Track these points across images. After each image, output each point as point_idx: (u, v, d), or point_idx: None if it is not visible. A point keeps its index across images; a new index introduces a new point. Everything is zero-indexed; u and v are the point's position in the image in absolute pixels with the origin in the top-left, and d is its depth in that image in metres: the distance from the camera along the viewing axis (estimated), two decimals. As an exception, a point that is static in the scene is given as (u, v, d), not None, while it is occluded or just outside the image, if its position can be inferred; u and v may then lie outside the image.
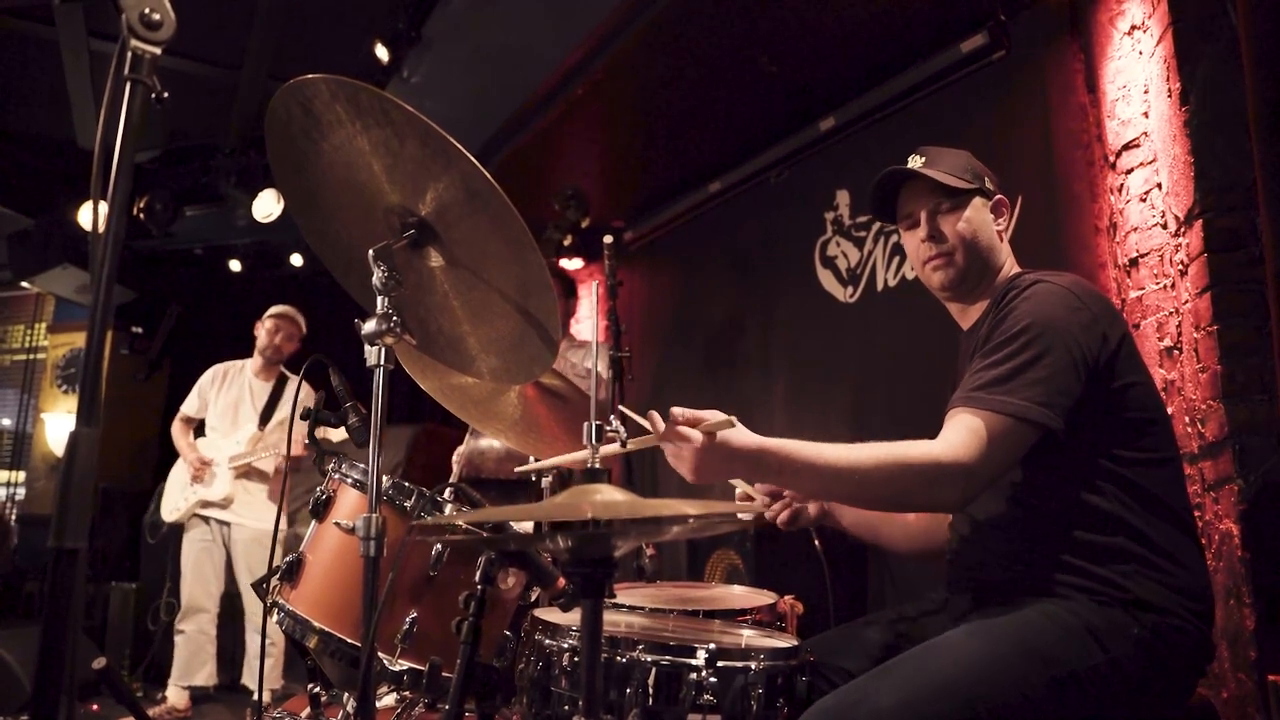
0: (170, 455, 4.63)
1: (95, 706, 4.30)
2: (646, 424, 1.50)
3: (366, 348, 1.46)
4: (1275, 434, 2.21)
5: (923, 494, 1.51)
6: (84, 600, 5.23)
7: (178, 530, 4.50)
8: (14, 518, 7.59)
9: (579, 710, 1.06)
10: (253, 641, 4.31)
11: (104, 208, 1.07)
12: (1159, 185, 2.63)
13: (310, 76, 1.40)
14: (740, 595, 2.13)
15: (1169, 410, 1.85)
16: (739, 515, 1.79)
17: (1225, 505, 2.27)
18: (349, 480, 1.84)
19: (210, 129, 5.71)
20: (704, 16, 3.60)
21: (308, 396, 3.92)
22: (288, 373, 4.63)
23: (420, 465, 5.31)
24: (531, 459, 2.22)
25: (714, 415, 1.44)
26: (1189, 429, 2.47)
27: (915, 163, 1.78)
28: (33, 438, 7.76)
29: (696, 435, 1.43)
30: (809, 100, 4.16)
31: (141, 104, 1.11)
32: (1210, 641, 1.55)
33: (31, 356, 8.09)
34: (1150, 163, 2.68)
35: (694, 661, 1.42)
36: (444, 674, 1.65)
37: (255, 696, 2.72)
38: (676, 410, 1.45)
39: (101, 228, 1.05)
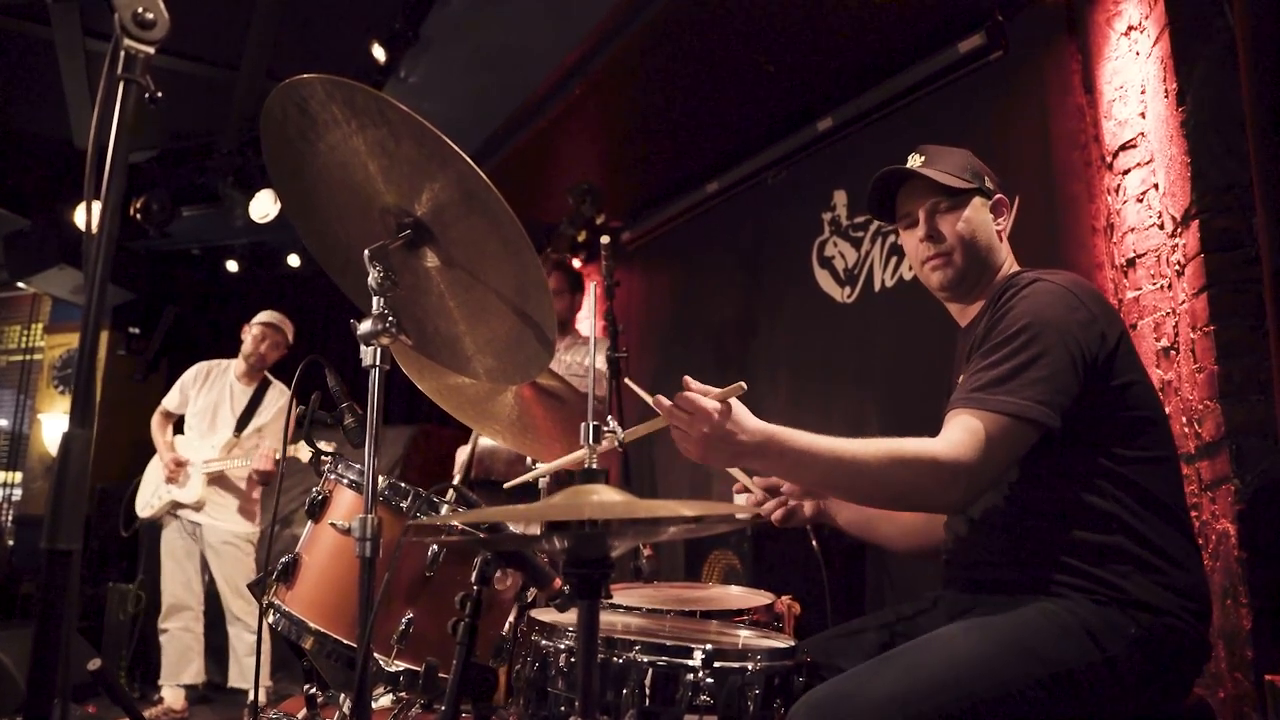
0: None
1: (92, 708, 4.29)
2: (648, 399, 1.51)
3: (362, 348, 1.46)
4: (1272, 434, 2.21)
5: (921, 492, 1.51)
6: (80, 601, 5.22)
7: (155, 525, 4.49)
8: (10, 518, 7.58)
9: (575, 711, 1.06)
10: (239, 640, 4.29)
11: (97, 206, 1.07)
12: (1156, 186, 2.63)
13: (306, 76, 1.40)
14: (737, 596, 2.12)
15: (1166, 410, 1.85)
16: (736, 515, 1.79)
17: (1222, 505, 2.27)
18: (345, 481, 1.84)
19: (207, 129, 5.70)
20: (702, 17, 3.59)
21: (280, 397, 3.93)
22: (271, 378, 4.60)
23: (417, 466, 5.30)
24: (529, 460, 2.22)
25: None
26: (1186, 429, 2.47)
27: (915, 162, 1.78)
28: (29, 438, 7.74)
29: (711, 401, 1.44)
30: (806, 100, 4.16)
31: (135, 103, 1.11)
32: (1207, 641, 1.55)
33: (28, 357, 8.07)
34: (1147, 163, 2.69)
35: (691, 662, 1.42)
36: (440, 675, 1.65)
37: (251, 697, 2.71)
38: (689, 379, 1.47)
39: (95, 227, 1.04)
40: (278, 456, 4.02)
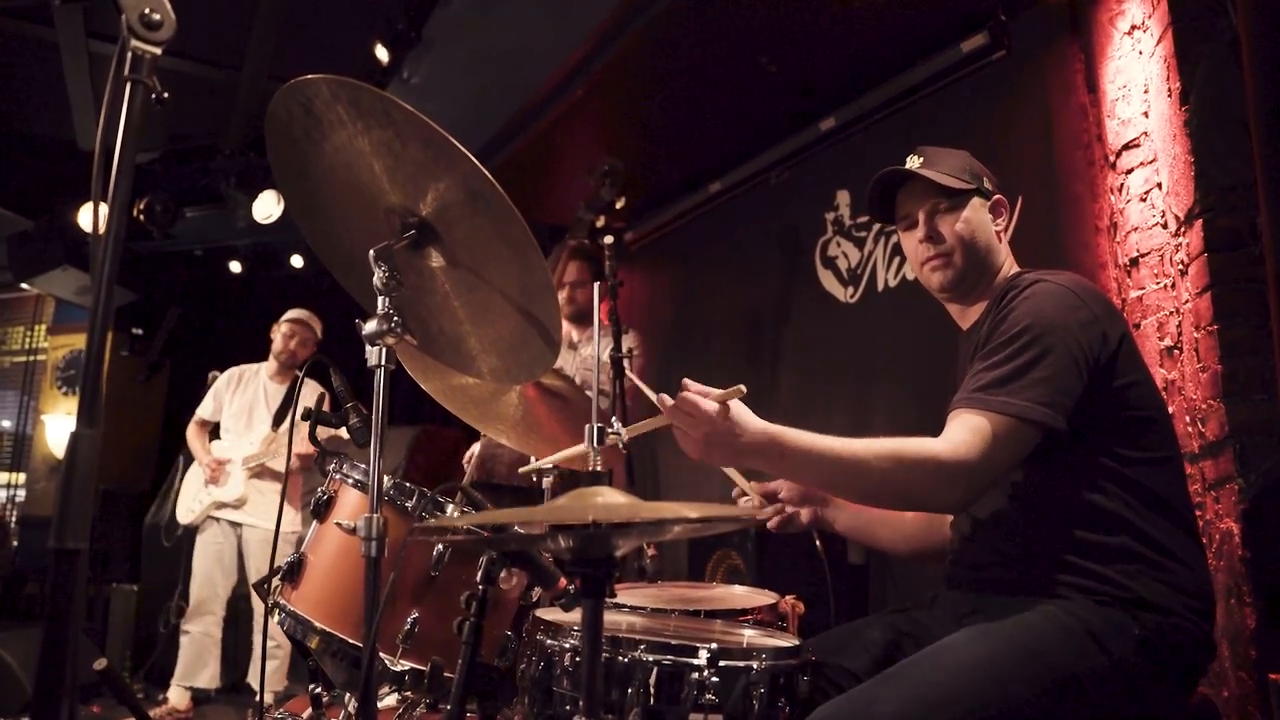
0: (171, 456, 4.63)
1: (96, 708, 4.30)
2: (652, 396, 1.52)
3: (367, 348, 1.46)
4: (1276, 433, 2.21)
5: (923, 491, 1.51)
6: (85, 602, 5.23)
7: (190, 533, 4.51)
8: (14, 519, 7.59)
9: (580, 710, 1.06)
10: (258, 642, 4.31)
11: (104, 209, 1.07)
12: (1159, 185, 2.63)
13: (311, 77, 1.40)
14: (741, 595, 2.12)
15: (1169, 410, 1.85)
16: (738, 516, 1.79)
17: (1226, 504, 2.27)
18: (350, 481, 1.84)
19: (210, 130, 5.71)
20: (704, 17, 3.59)
21: (310, 394, 3.92)
22: (303, 375, 4.63)
23: (421, 466, 5.31)
24: (532, 459, 2.23)
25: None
26: (1189, 428, 2.46)
27: (913, 163, 1.78)
28: (33, 439, 7.76)
29: (710, 403, 1.45)
30: (809, 100, 4.16)
31: (141, 104, 1.11)
32: (1212, 641, 1.54)
33: (31, 358, 8.09)
34: (1150, 162, 2.68)
35: (696, 661, 1.42)
36: (446, 674, 1.65)
37: (258, 698, 2.72)
38: (688, 381, 1.48)
39: (102, 228, 1.05)
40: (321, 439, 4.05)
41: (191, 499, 4.46)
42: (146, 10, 1.10)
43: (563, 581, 1.60)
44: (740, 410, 1.49)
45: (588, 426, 1.31)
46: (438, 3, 4.00)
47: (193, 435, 4.57)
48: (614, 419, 1.61)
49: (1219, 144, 2.34)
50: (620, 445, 1.51)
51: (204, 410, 4.59)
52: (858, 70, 3.90)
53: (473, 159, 1.38)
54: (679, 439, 1.53)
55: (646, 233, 5.59)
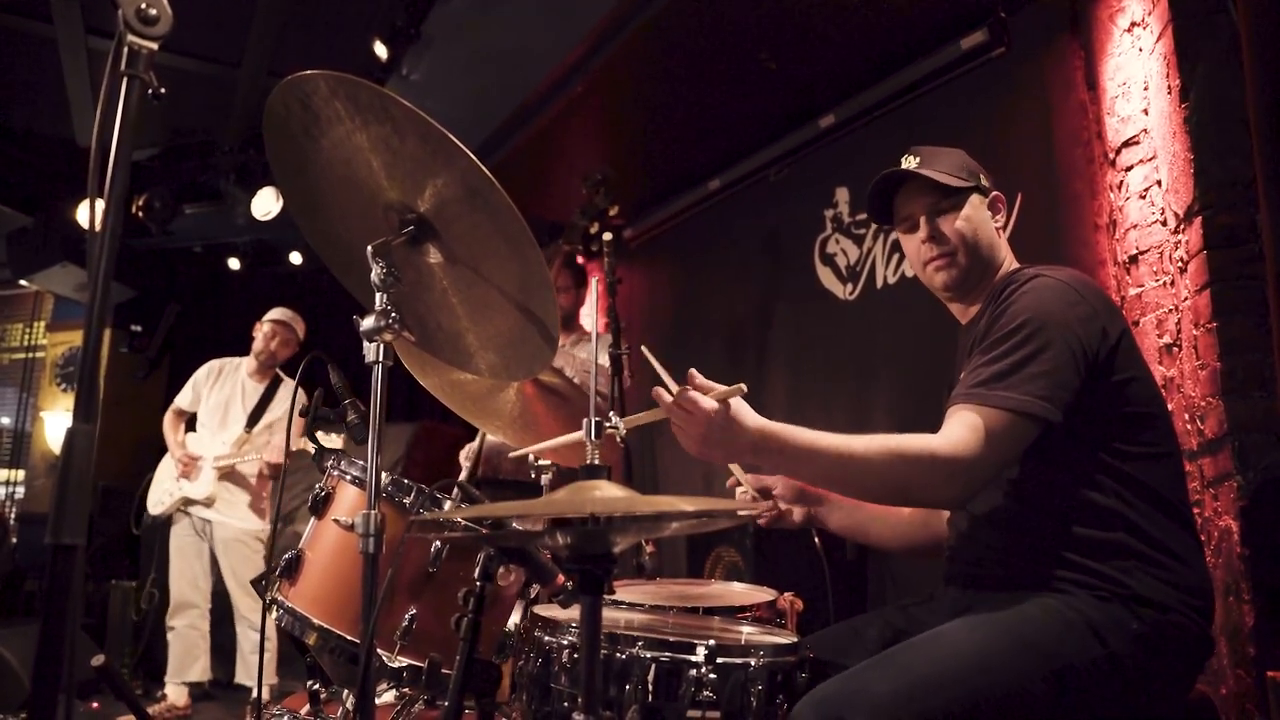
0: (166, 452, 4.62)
1: (95, 705, 4.30)
2: (666, 378, 1.52)
3: (365, 344, 1.46)
4: (1275, 431, 2.21)
5: (921, 487, 1.51)
6: (83, 598, 5.23)
7: (163, 523, 4.51)
8: (13, 516, 7.59)
9: (578, 707, 1.06)
10: (246, 637, 4.31)
11: (100, 203, 1.07)
12: (1159, 182, 2.63)
13: (309, 72, 1.40)
14: (740, 592, 2.12)
15: (1169, 407, 1.85)
16: (736, 511, 1.79)
17: (1224, 502, 2.27)
18: (348, 477, 1.84)
19: (209, 127, 5.70)
20: (703, 14, 3.59)
21: (301, 399, 3.93)
22: (283, 375, 4.63)
23: (420, 463, 5.31)
24: (531, 457, 2.23)
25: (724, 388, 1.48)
26: (1189, 426, 2.46)
27: (910, 163, 1.77)
28: (32, 436, 7.75)
29: (709, 401, 1.46)
30: (808, 97, 4.16)
31: (138, 99, 1.11)
32: (1210, 637, 1.54)
33: (30, 355, 8.08)
34: (1150, 160, 2.68)
35: (693, 658, 1.42)
36: (443, 670, 1.65)
37: (254, 694, 2.72)
38: (694, 373, 1.48)
39: (99, 222, 1.05)
40: (295, 448, 4.08)
41: (162, 491, 4.45)
42: (143, 5, 1.09)
43: (560, 578, 1.60)
44: (740, 408, 1.49)
45: (585, 420, 1.30)
46: (437, 0, 3.99)
47: (168, 425, 4.55)
48: (612, 413, 1.60)
49: (1218, 141, 2.34)
50: (619, 438, 1.51)
51: (182, 400, 4.57)
52: (857, 67, 3.90)
53: (471, 155, 1.37)
54: (677, 434, 1.53)
55: (645, 230, 5.58)
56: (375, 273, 1.47)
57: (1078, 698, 1.43)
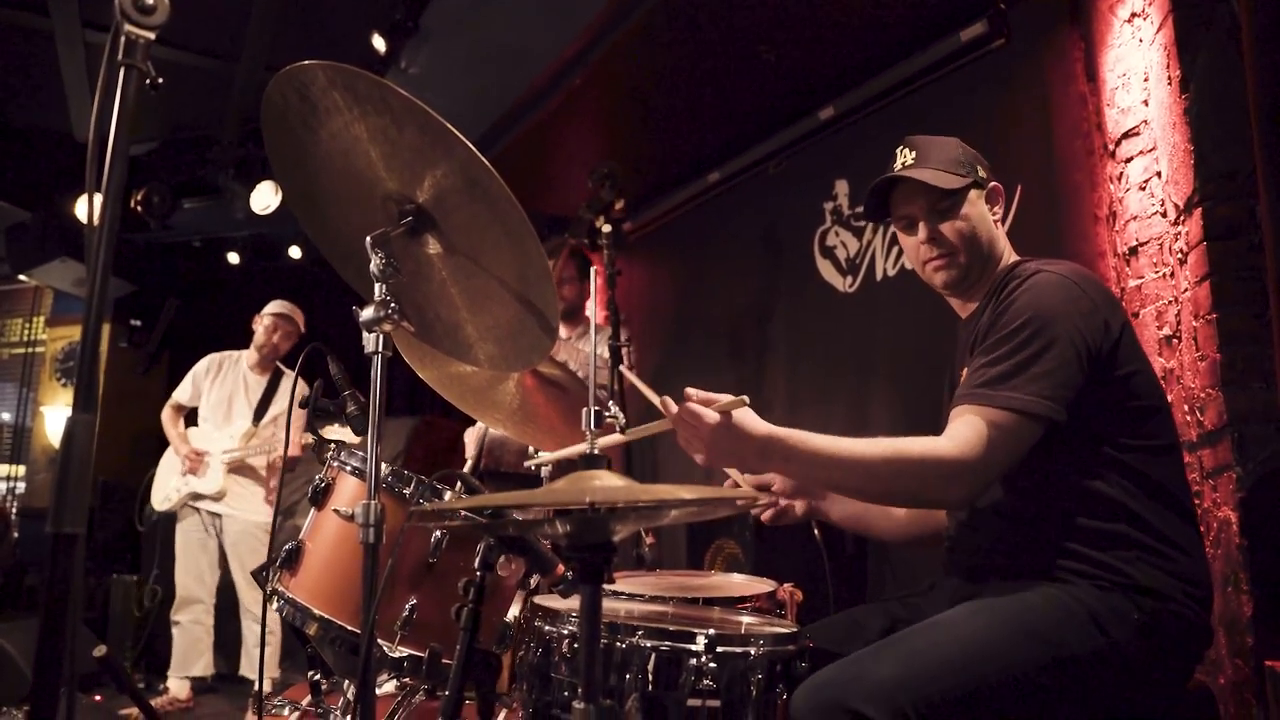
0: (167, 447, 4.62)
1: (98, 698, 4.31)
2: (655, 399, 1.53)
3: (365, 334, 1.46)
4: (1274, 421, 2.21)
5: (928, 490, 1.52)
6: (84, 592, 5.24)
7: (168, 518, 4.51)
8: (14, 511, 7.59)
9: (579, 696, 1.06)
10: (250, 631, 4.32)
11: (99, 195, 1.07)
12: (1158, 173, 2.62)
13: (307, 63, 1.40)
14: (740, 583, 2.13)
15: (1169, 398, 1.85)
16: (734, 500, 1.79)
17: (1224, 493, 2.27)
18: (348, 468, 1.84)
19: (207, 121, 5.70)
20: (702, 6, 3.58)
21: (302, 390, 3.93)
22: (284, 368, 4.63)
23: (420, 457, 5.31)
24: (531, 449, 2.23)
25: (726, 397, 1.49)
26: (1188, 417, 2.47)
27: (906, 158, 1.76)
28: (32, 431, 7.75)
29: (712, 414, 1.46)
30: (808, 89, 4.15)
31: (136, 90, 1.11)
32: (1209, 627, 1.55)
33: (30, 350, 8.08)
34: (1150, 151, 2.68)
35: (694, 647, 1.42)
36: (444, 660, 1.65)
37: (256, 686, 2.73)
38: (691, 390, 1.48)
39: (99, 204, 1.05)
40: (304, 442, 4.11)
41: (168, 486, 4.44)
42: (141, -6, 1.09)
43: (560, 568, 1.60)
44: (743, 415, 1.50)
45: (585, 410, 1.30)
46: (435, -8, 3.99)
47: (168, 421, 4.54)
48: (611, 404, 1.61)
49: (1219, 132, 2.34)
50: (618, 429, 1.51)
51: (181, 395, 4.57)
52: (856, 59, 3.89)
53: (470, 145, 1.37)
54: (683, 443, 1.54)
55: (645, 223, 5.58)
56: (374, 263, 1.47)
57: (1078, 686, 1.43)
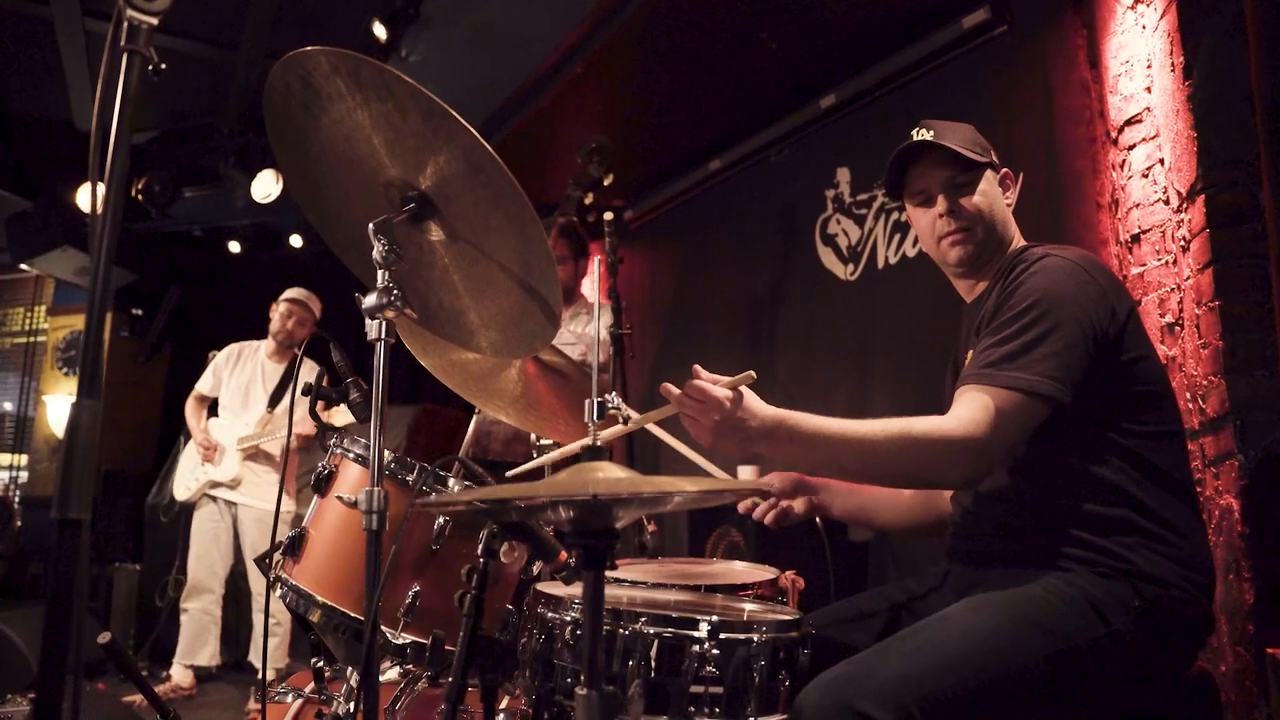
0: (172, 437, 4.65)
1: (102, 686, 4.33)
2: (661, 390, 1.53)
3: (367, 321, 1.46)
4: (1276, 409, 2.21)
5: (933, 469, 1.52)
6: (88, 579, 5.25)
7: (188, 509, 4.54)
8: (17, 500, 7.61)
9: (581, 682, 1.06)
10: (259, 621, 4.34)
11: (102, 182, 1.07)
12: (1161, 161, 2.61)
13: (310, 49, 1.39)
14: (742, 571, 2.13)
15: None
16: (735, 490, 1.80)
17: (1226, 480, 2.28)
18: (351, 455, 1.84)
19: (208, 110, 5.68)
20: (704, -7, 3.57)
21: (309, 373, 3.93)
22: (302, 355, 4.64)
23: (422, 446, 5.31)
24: (533, 436, 2.23)
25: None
26: (1190, 405, 2.47)
27: (925, 135, 1.76)
28: (34, 420, 7.76)
29: (721, 389, 1.46)
30: (809, 77, 4.13)
31: (138, 76, 1.10)
32: (1211, 614, 1.55)
33: (32, 339, 8.08)
34: (1152, 138, 2.67)
35: (696, 634, 1.42)
36: (447, 647, 1.66)
37: (260, 674, 2.74)
38: (699, 368, 1.49)
39: (102, 189, 1.05)
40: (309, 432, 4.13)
41: (189, 476, 4.48)
42: (142, -21, 1.09)
43: (563, 555, 1.60)
44: (749, 396, 1.51)
45: (588, 401, 1.31)
46: (436, -20, 3.97)
47: (191, 410, 4.59)
48: (613, 394, 1.61)
49: (1222, 119, 2.33)
50: (621, 420, 1.51)
51: (203, 385, 4.60)
52: (858, 47, 3.88)
53: (473, 131, 1.37)
54: (689, 427, 1.54)
55: (646, 211, 5.57)
56: (377, 250, 1.47)
57: (1081, 676, 1.44)
